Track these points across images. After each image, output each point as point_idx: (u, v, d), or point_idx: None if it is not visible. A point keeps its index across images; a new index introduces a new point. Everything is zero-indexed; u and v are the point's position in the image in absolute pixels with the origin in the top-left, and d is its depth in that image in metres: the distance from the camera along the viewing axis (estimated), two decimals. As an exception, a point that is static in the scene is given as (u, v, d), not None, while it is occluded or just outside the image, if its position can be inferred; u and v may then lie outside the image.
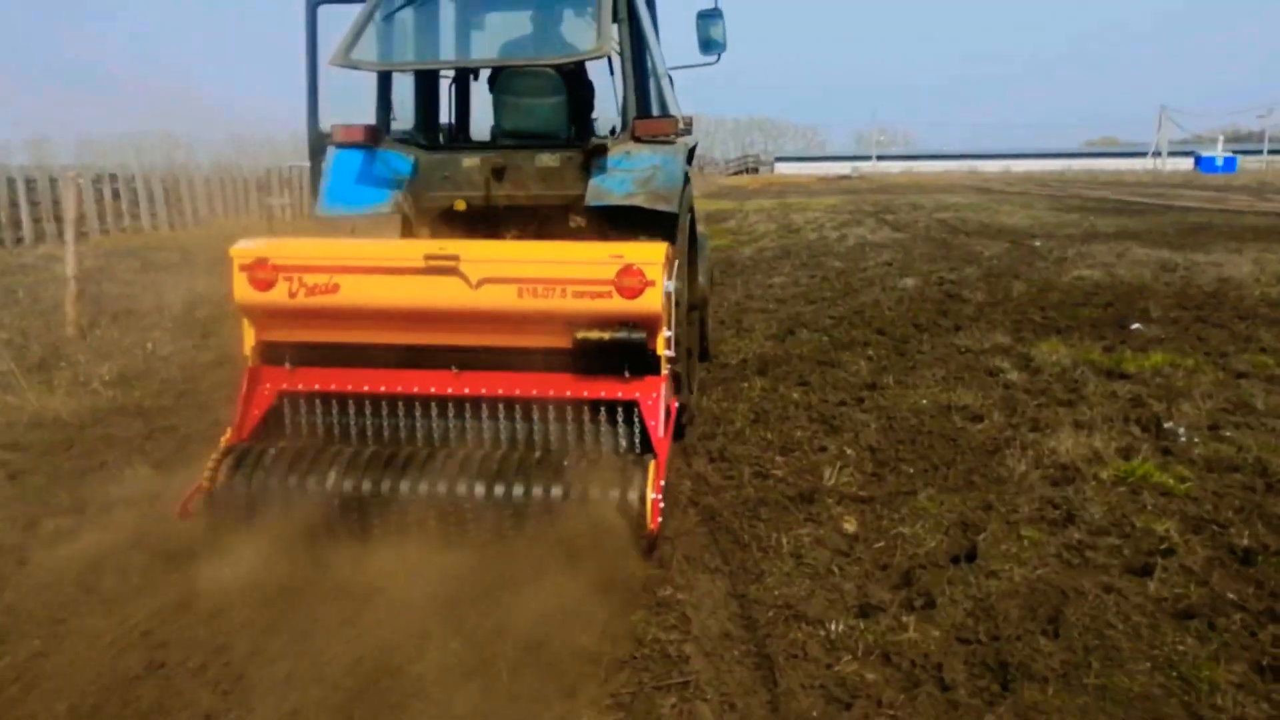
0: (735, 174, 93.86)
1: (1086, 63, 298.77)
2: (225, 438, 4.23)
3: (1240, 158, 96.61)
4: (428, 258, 4.04)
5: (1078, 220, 24.43)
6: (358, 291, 4.13)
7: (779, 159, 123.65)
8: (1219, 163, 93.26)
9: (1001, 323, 9.48)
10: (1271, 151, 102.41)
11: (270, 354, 4.43)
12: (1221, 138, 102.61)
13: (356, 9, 4.93)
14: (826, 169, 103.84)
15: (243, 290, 4.23)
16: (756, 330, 9.32)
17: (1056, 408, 6.19)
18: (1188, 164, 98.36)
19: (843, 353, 8.18)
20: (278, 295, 4.18)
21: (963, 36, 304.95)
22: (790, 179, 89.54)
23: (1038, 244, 17.79)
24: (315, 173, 5.29)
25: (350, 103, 5.44)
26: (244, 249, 4.23)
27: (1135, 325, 9.17)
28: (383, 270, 4.14)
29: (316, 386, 4.41)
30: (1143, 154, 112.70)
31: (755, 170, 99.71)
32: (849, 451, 5.45)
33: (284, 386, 4.42)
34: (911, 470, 5.14)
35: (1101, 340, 8.52)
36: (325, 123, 5.40)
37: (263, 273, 4.17)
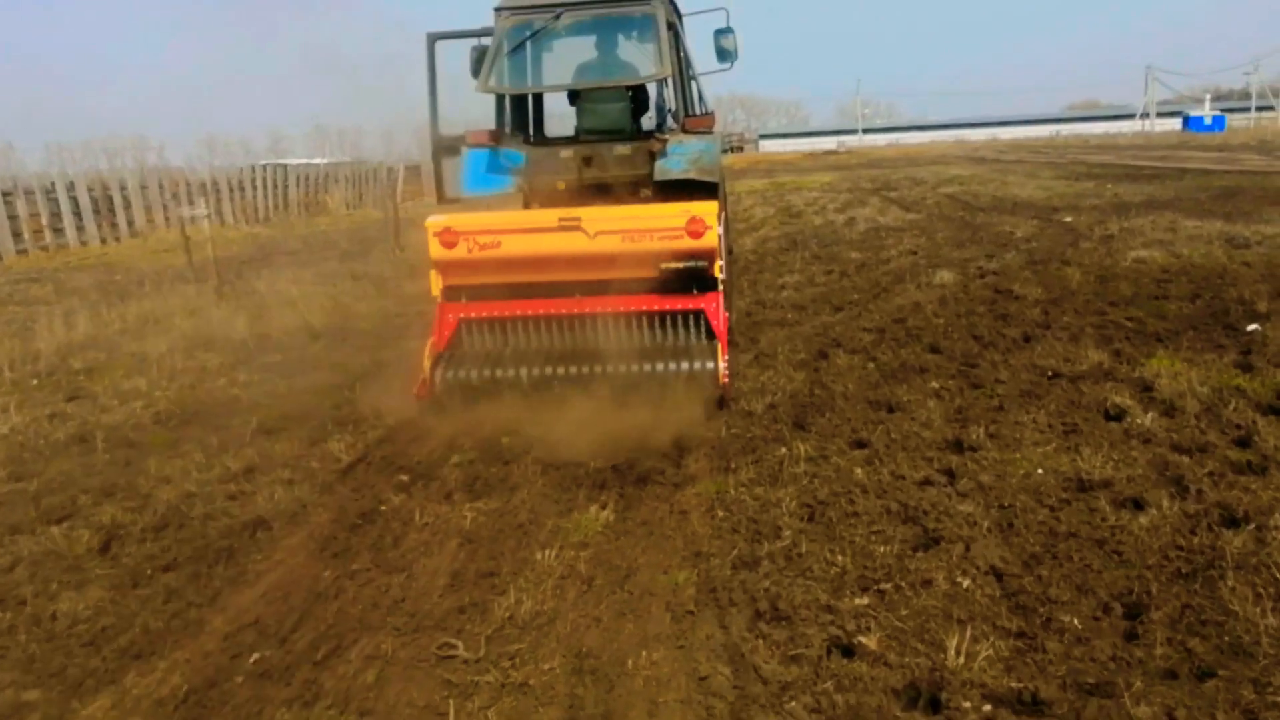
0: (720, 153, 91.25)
1: (1064, 24, 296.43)
2: (428, 348, 6.25)
3: (1228, 116, 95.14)
4: (560, 219, 5.98)
5: (1095, 190, 22.54)
6: (513, 246, 6.06)
7: (763, 136, 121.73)
8: (1208, 121, 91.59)
9: (1080, 329, 7.57)
10: (1259, 108, 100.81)
11: (452, 294, 6.39)
12: (1208, 97, 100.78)
13: (466, 41, 7.26)
14: (812, 144, 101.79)
15: (435, 249, 6.10)
16: (779, 355, 7.38)
17: (1245, 479, 4.29)
18: (1176, 124, 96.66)
19: (898, 387, 6.26)
20: (459, 252, 6.06)
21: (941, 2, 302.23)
22: (777, 157, 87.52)
23: (1069, 219, 15.90)
24: (437, 166, 7.41)
25: (455, 112, 7.58)
26: (435, 221, 6.09)
27: (1253, 326, 7.28)
28: (530, 230, 6.11)
29: (484, 314, 6.37)
30: (1129, 116, 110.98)
31: (740, 149, 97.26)
32: (966, 584, 3.53)
33: (462, 315, 6.40)
34: (1078, 623, 3.23)
35: (1220, 350, 6.63)
36: (441, 129, 7.31)
37: (448, 237, 6.02)
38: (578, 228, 5.99)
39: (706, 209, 6.03)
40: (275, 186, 29.17)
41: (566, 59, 7.48)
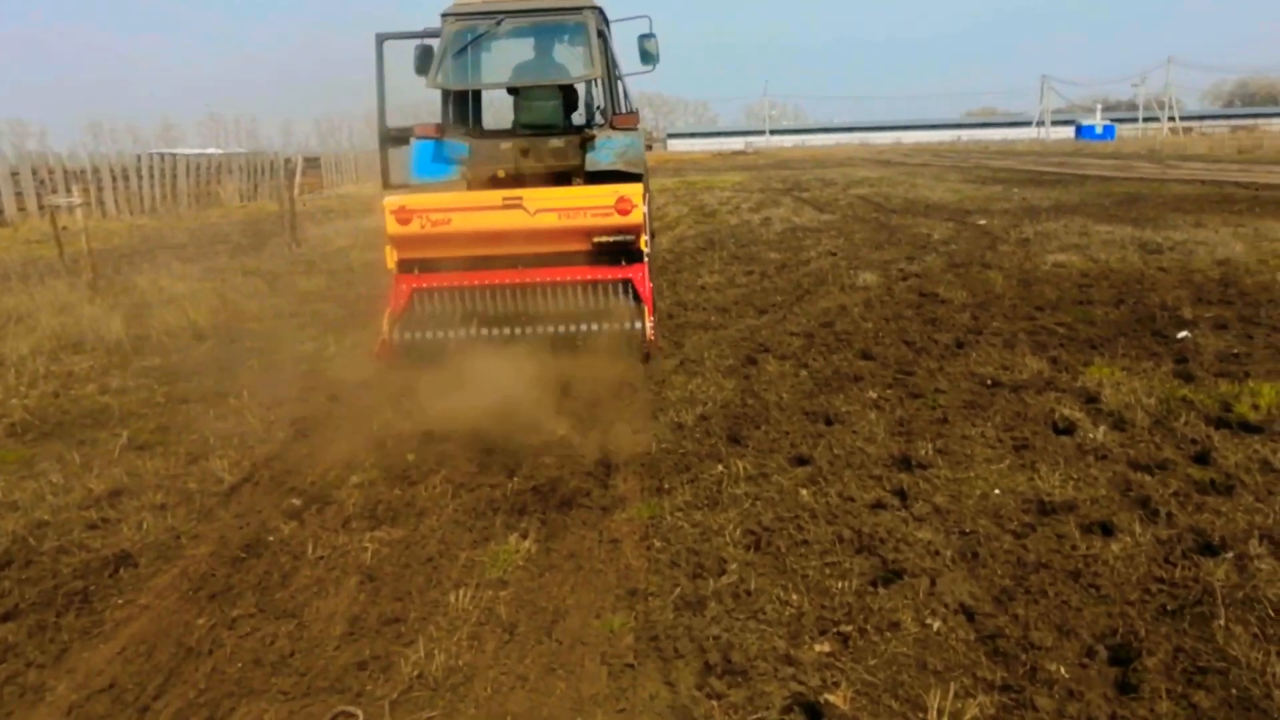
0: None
1: (962, 35, 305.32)
2: (386, 315, 6.83)
3: (1117, 126, 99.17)
4: (504, 198, 6.72)
5: (1003, 194, 22.88)
6: (462, 222, 6.72)
7: (671, 135, 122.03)
8: (1099, 130, 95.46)
9: (1013, 335, 7.37)
10: (1146, 119, 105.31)
11: (406, 266, 6.91)
12: (1099, 107, 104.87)
13: (412, 42, 7.93)
14: (720, 145, 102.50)
15: (391, 226, 6.68)
16: (706, 361, 6.97)
17: (1213, 499, 4.02)
18: (1068, 132, 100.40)
19: (835, 396, 5.90)
20: (412, 228, 6.68)
21: (844, 7, 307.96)
22: (685, 156, 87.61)
23: (982, 222, 15.96)
24: (384, 155, 8.22)
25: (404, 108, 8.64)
26: (392, 200, 6.70)
27: (1183, 334, 7.17)
28: (477, 209, 6.79)
29: (436, 284, 6.93)
30: (1025, 123, 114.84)
31: (649, 148, 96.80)
32: (937, 626, 3.15)
33: (415, 285, 6.92)
34: (1065, 671, 2.88)
35: (1155, 358, 6.48)
36: (390, 122, 8.07)
37: (403, 214, 6.65)
38: (519, 206, 6.72)
39: (633, 189, 6.85)
40: (163, 176, 27.65)
41: (506, 60, 8.22)
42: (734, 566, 3.62)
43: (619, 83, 8.52)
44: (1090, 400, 5.54)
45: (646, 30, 8.21)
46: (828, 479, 4.48)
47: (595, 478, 4.73)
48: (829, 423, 5.41)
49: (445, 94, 7.82)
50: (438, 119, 7.84)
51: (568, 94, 8.04)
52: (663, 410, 5.75)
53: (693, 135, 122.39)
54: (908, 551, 3.66)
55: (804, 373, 6.51)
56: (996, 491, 4.24)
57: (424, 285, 6.96)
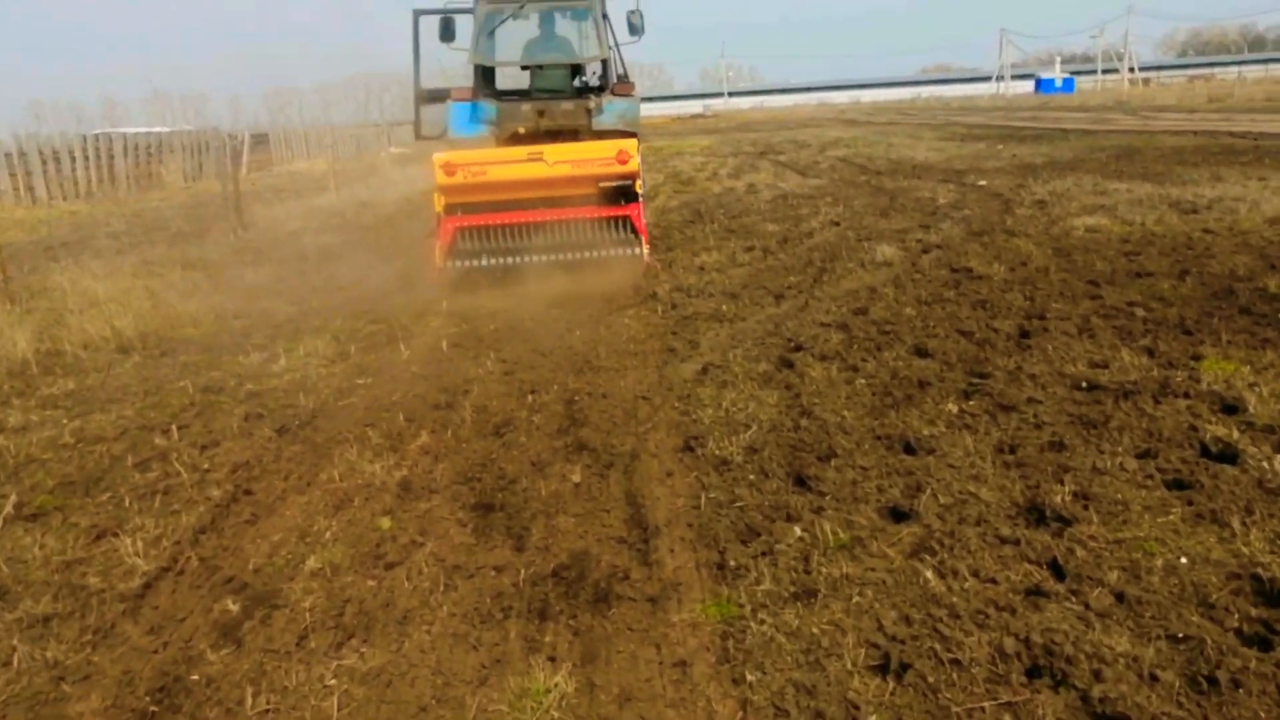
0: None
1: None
2: (437, 247, 8.63)
3: (1076, 79, 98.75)
4: (529, 154, 8.47)
5: (989, 151, 21.88)
6: (496, 173, 8.44)
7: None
8: (1058, 84, 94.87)
9: (1084, 319, 6.30)
10: (1105, 71, 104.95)
11: (450, 209, 8.60)
12: (1059, 59, 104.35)
13: (438, 15, 9.51)
14: (678, 108, 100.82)
15: (440, 177, 8.36)
16: (733, 365, 5.82)
17: None
18: (1028, 86, 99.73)
19: (906, 412, 4.78)
20: (458, 178, 8.37)
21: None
22: (644, 120, 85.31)
23: (983, 183, 14.92)
24: (417, 111, 10.21)
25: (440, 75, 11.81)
26: (440, 157, 8.38)
27: (1285, 310, 6.14)
28: (507, 162, 8.55)
29: (475, 223, 8.66)
30: (982, 79, 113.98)
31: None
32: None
33: (458, 225, 8.65)
34: None
35: (1268, 345, 5.43)
36: (424, 84, 10.14)
37: (449, 167, 8.34)
38: (541, 159, 8.44)
39: (630, 144, 8.64)
40: (100, 157, 25.82)
41: (528, 37, 10.09)
42: (870, 714, 2.50)
43: (617, 52, 10.01)
44: (1230, 410, 4.46)
45: (634, 7, 9.75)
46: (945, 545, 3.36)
47: (631, 547, 3.59)
48: (912, 451, 4.29)
49: (476, 65, 9.64)
50: (435, 83, 10.33)
51: (575, 65, 9.98)
52: (698, 439, 4.59)
53: (649, 100, 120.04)
54: (1110, 676, 2.56)
55: (857, 379, 5.38)
56: (1184, 561, 3.14)
57: (466, 224, 8.71)
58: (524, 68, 9.84)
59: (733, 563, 3.36)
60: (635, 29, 9.73)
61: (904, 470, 4.07)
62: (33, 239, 15.48)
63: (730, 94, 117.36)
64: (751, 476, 4.12)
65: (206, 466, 4.67)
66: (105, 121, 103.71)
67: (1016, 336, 6.10)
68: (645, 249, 8.63)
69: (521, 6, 9.47)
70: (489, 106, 9.45)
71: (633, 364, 6.13)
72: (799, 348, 6.14)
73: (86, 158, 25.27)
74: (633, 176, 8.57)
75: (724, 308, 7.49)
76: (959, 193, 13.87)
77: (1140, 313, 6.39)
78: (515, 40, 9.90)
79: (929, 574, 3.15)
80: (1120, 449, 4.10)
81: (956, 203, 12.75)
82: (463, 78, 10.30)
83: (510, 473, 4.37)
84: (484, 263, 8.53)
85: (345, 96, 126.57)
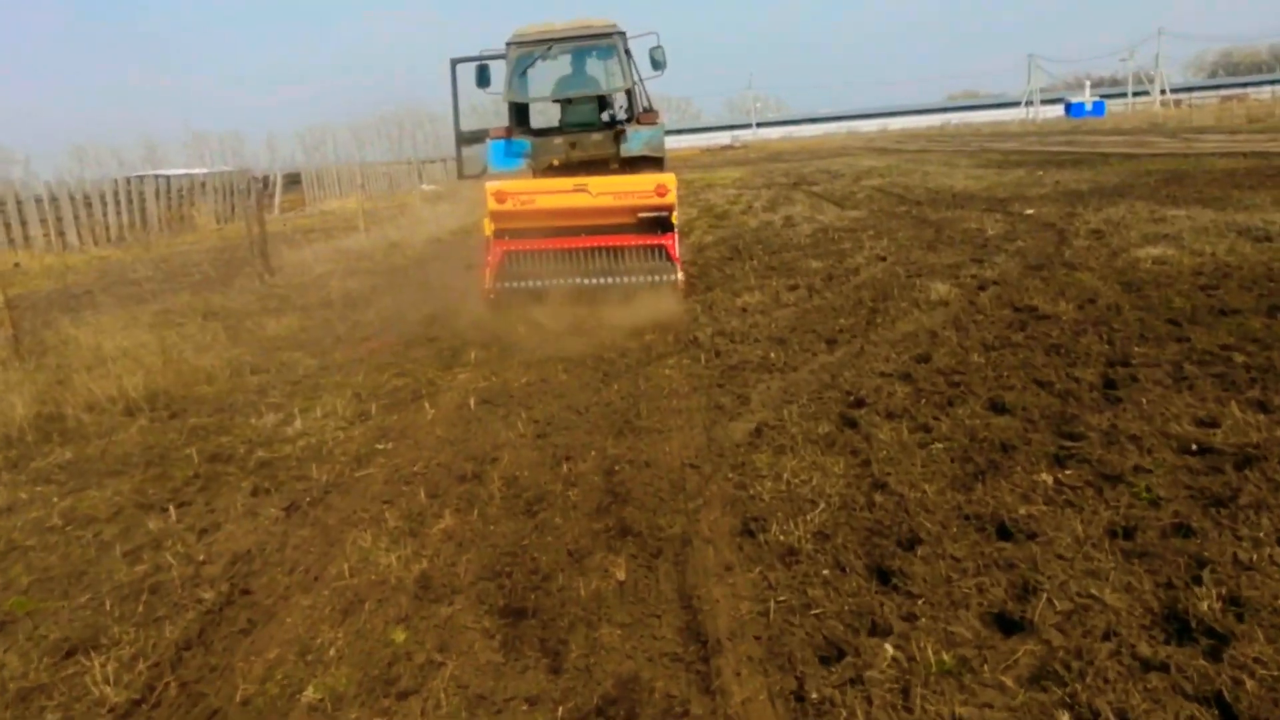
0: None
1: (939, 15, 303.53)
2: (488, 271, 9.09)
3: (1106, 102, 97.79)
4: (574, 185, 8.99)
5: (1030, 178, 21.21)
6: (543, 202, 9.01)
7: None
8: (1088, 108, 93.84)
9: (1176, 367, 5.67)
10: (1135, 94, 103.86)
11: (500, 234, 9.14)
12: (1088, 83, 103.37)
13: (473, 65, 10.30)
14: (707, 140, 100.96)
15: (492, 204, 8.89)
16: (789, 424, 5.24)
17: None
18: (1057, 111, 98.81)
19: (994, 483, 4.18)
20: (508, 206, 8.91)
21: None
22: (672, 153, 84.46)
23: (1029, 212, 14.28)
24: (459, 153, 10.83)
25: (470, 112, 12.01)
26: (492, 185, 8.97)
27: (1406, 356, 5.47)
28: (554, 192, 9.06)
29: (523, 247, 9.16)
30: (1011, 104, 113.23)
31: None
32: None
33: (506, 249, 9.15)
34: None
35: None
36: (463, 125, 10.82)
37: (500, 195, 8.90)
38: (585, 190, 8.96)
39: (668, 179, 9.07)
40: (131, 200, 25.80)
41: (557, 75, 10.71)
42: None
43: (639, 87, 10.48)
44: (1383, 483, 3.82)
45: (655, 44, 10.22)
46: (1073, 670, 2.75)
47: (689, 668, 3.01)
48: (1009, 535, 3.69)
49: (510, 104, 10.19)
50: (478, 124, 10.91)
51: (602, 98, 10.66)
52: (758, 520, 4.01)
53: (678, 132, 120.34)
54: None
55: (931, 442, 4.77)
56: (1385, 696, 2.51)
57: (513, 248, 9.22)
58: (554, 101, 10.58)
59: (815, 694, 2.77)
60: (657, 64, 10.30)
61: (1004, 562, 3.47)
62: (56, 287, 15.23)
63: (758, 124, 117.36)
64: (825, 571, 3.53)
65: (202, 557, 4.15)
66: (146, 164, 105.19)
67: (1101, 387, 5.48)
68: (680, 275, 9.20)
69: (550, 47, 10.11)
70: (524, 142, 10.10)
71: (677, 423, 5.57)
72: (861, 403, 5.55)
73: (118, 201, 25.25)
74: (669, 209, 9.13)
75: (772, 355, 6.91)
76: (1007, 223, 13.24)
77: (1239, 358, 5.75)
78: (546, 79, 10.64)
79: (1065, 718, 2.53)
80: (1261, 534, 3.47)
81: (1007, 234, 12.11)
82: (494, 117, 11.10)
83: (544, 565, 3.81)
84: (528, 285, 9.05)
85: (378, 134, 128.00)
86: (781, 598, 3.36)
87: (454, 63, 10.20)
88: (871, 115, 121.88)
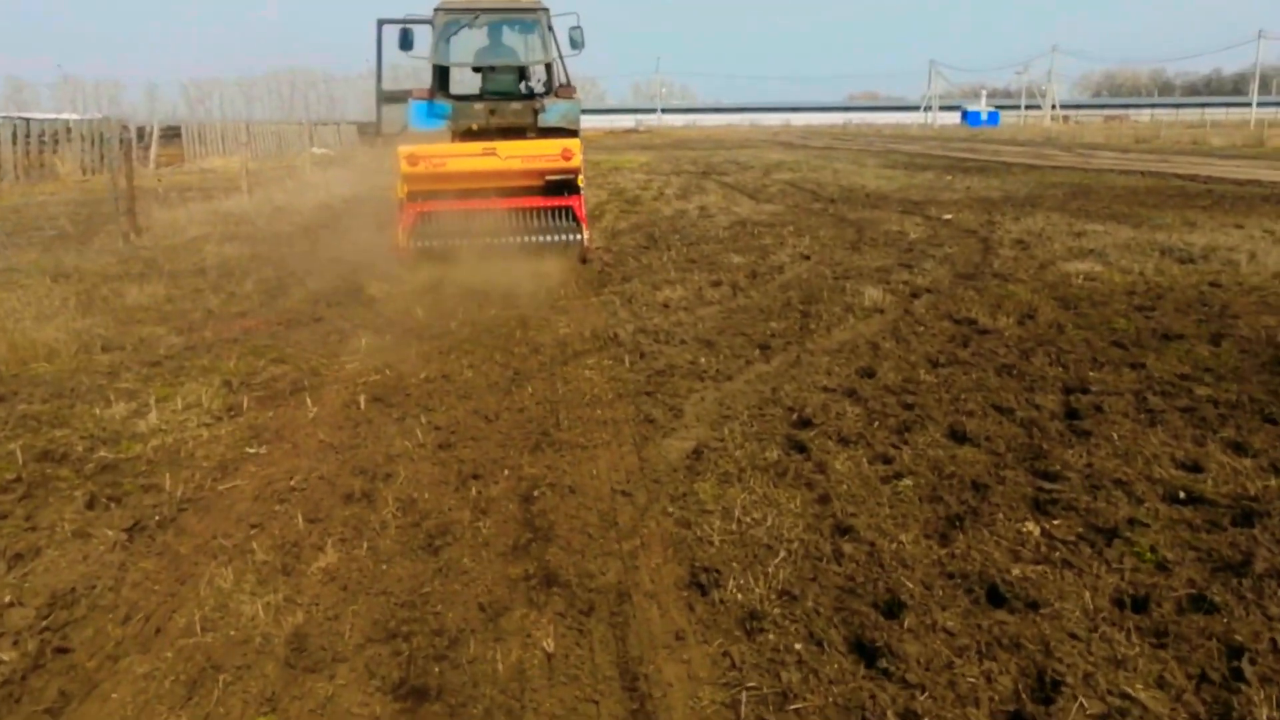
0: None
1: (845, 17, 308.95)
2: (399, 229, 9.39)
3: (1000, 112, 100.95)
4: (484, 149, 9.46)
5: (939, 181, 21.26)
6: (455, 165, 9.33)
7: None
8: (984, 117, 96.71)
9: (1138, 396, 5.28)
10: (1028, 106, 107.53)
11: (413, 196, 9.40)
12: (984, 93, 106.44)
13: (397, 27, 10.53)
14: (611, 122, 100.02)
15: (405, 167, 9.12)
16: (730, 447, 4.61)
17: None
18: (954, 117, 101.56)
19: (976, 534, 3.64)
20: (420, 169, 9.16)
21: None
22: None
23: (948, 217, 14.07)
24: (379, 112, 11.26)
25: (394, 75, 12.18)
26: (405, 149, 9.15)
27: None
28: (465, 155, 9.46)
29: (434, 209, 9.51)
30: (910, 108, 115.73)
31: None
32: None
33: (419, 210, 9.45)
34: None
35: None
36: (385, 85, 11.17)
37: (413, 159, 9.13)
38: (494, 154, 9.38)
39: (574, 143, 9.64)
40: (-17, 144, 23.53)
41: (480, 44, 11.00)
42: None
43: (559, 63, 10.90)
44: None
45: (575, 24, 10.75)
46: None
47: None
48: (1002, 602, 3.15)
49: (434, 67, 10.51)
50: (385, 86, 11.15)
51: (522, 70, 11.04)
52: (710, 571, 3.37)
53: (584, 112, 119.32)
54: None
55: (895, 479, 4.21)
56: None
57: (426, 209, 9.54)
58: (476, 69, 10.88)
59: (812, 837, 2.13)
60: (576, 44, 10.82)
61: (1007, 640, 2.91)
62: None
63: (663, 110, 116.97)
64: (799, 646, 2.91)
65: (9, 598, 3.27)
66: (10, 105, 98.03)
67: (1064, 417, 5.04)
68: (586, 235, 9.74)
69: (476, 16, 10.53)
70: (446, 105, 10.42)
71: (603, 437, 4.88)
72: (807, 422, 4.97)
73: (-32, 144, 23.00)
74: (575, 171, 9.62)
75: (702, 360, 6.29)
76: (928, 227, 12.96)
77: (1201, 390, 5.39)
78: (469, 47, 10.96)
79: None
80: (1276, 609, 3.00)
81: (930, 238, 11.80)
82: (410, 80, 12.33)
83: (450, 624, 3.08)
84: (440, 243, 9.43)
85: (268, 92, 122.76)
86: (751, 683, 2.72)
87: (380, 23, 10.60)
88: (776, 109, 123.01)
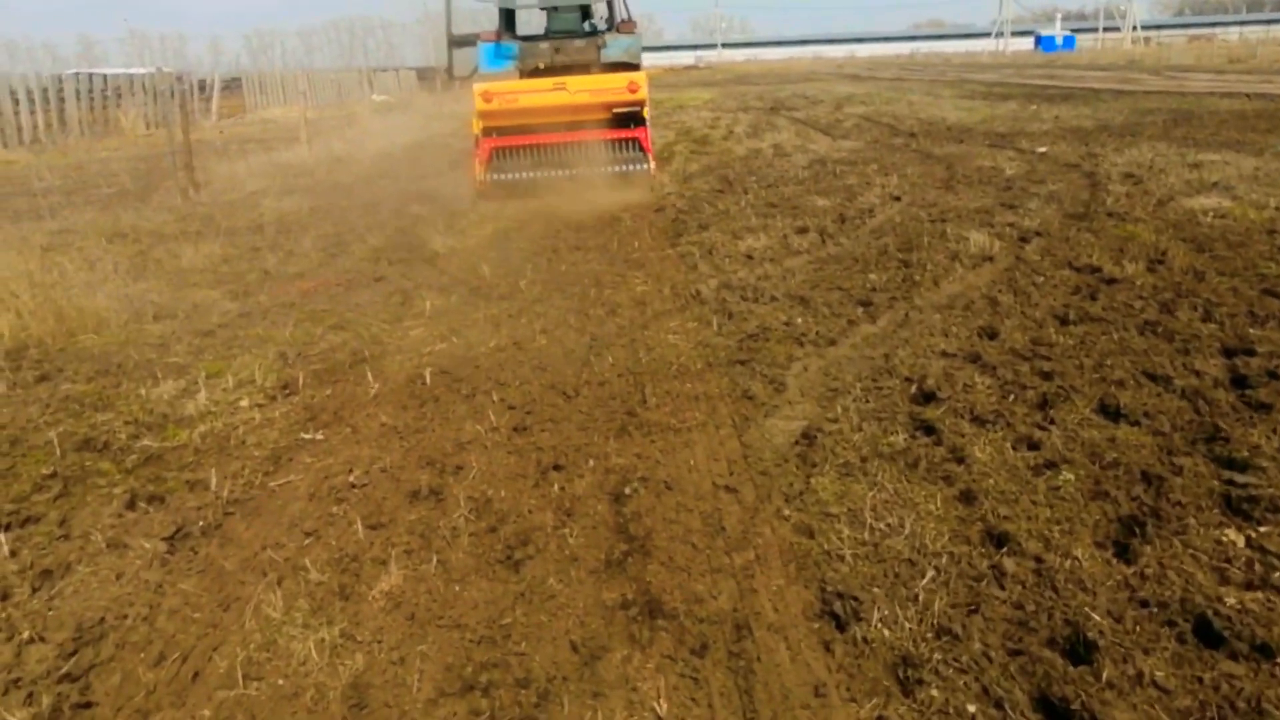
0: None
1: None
2: (476, 165, 10.14)
3: (1076, 36, 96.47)
4: (554, 83, 9.99)
5: (1024, 111, 19.97)
6: (526, 100, 9.96)
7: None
8: (1059, 42, 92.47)
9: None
10: (1106, 29, 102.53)
11: (488, 131, 10.13)
12: (1059, 15, 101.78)
13: None
14: (671, 59, 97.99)
15: (479, 104, 9.86)
16: (845, 428, 3.99)
17: None
18: (1027, 43, 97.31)
19: (1167, 548, 3.00)
20: (494, 105, 9.89)
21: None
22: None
23: (1043, 149, 13.05)
24: (450, 55, 11.69)
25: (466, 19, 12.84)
26: (479, 87, 9.95)
27: None
28: (536, 91, 10.03)
29: (508, 144, 10.19)
30: (980, 35, 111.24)
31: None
32: None
33: (494, 145, 10.17)
34: None
35: None
36: (456, 29, 11.64)
37: (488, 95, 9.90)
38: (564, 88, 10.02)
39: (639, 76, 10.31)
40: (47, 101, 23.49)
41: None
42: None
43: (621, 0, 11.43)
44: None
45: None
46: None
47: None
48: (1218, 643, 2.52)
49: (501, 9, 10.95)
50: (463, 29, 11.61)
51: (585, 8, 11.58)
52: (843, 597, 2.78)
53: (643, 49, 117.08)
54: None
55: (1045, 466, 3.56)
56: None
57: (501, 145, 10.20)
58: (541, 9, 11.60)
59: None
60: None
61: (1241, 700, 2.28)
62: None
63: (723, 45, 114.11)
64: (972, 708, 2.32)
65: (28, 634, 2.82)
66: (83, 62, 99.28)
67: (1231, 386, 4.31)
68: (652, 164, 10.39)
69: None
70: (512, 45, 10.90)
71: (696, 417, 4.30)
72: (931, 396, 4.32)
73: (32, 101, 22.97)
74: (641, 104, 10.22)
75: (799, 320, 5.65)
76: (1023, 162, 11.99)
77: (1395, 352, 4.60)
78: None
79: None
80: None
81: (1027, 174, 10.88)
82: (473, 24, 12.35)
83: (538, 672, 2.55)
84: (516, 176, 10.08)
85: (328, 41, 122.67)
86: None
87: None
88: (838, 40, 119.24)
